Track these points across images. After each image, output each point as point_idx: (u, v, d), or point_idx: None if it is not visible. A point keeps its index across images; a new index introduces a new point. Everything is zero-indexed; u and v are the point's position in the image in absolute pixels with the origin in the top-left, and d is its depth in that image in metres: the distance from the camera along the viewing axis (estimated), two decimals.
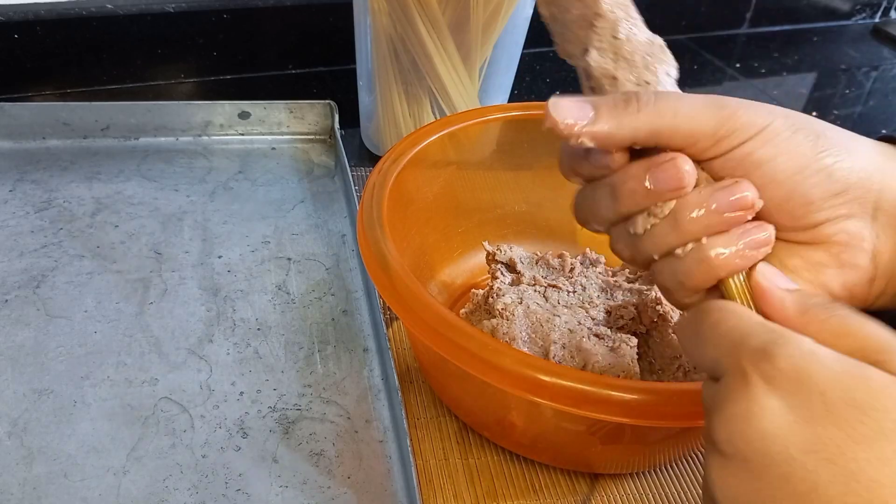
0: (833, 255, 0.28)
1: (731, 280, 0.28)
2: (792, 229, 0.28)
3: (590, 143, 0.28)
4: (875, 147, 0.28)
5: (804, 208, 0.27)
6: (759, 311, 0.26)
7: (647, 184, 0.28)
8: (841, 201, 0.27)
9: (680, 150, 0.28)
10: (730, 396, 0.23)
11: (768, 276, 0.26)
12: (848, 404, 0.21)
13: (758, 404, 0.22)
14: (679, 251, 0.28)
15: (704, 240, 0.28)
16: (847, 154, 0.27)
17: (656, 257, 0.29)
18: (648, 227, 0.28)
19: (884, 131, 0.29)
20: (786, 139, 0.27)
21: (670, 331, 0.45)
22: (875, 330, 0.23)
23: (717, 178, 0.28)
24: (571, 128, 0.27)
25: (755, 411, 0.22)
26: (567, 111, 0.27)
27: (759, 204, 0.27)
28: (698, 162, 0.28)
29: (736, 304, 0.26)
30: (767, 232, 0.28)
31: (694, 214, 0.27)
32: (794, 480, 0.21)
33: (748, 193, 0.27)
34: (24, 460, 0.40)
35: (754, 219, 0.28)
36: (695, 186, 0.28)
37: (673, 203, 0.28)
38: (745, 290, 0.28)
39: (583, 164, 0.30)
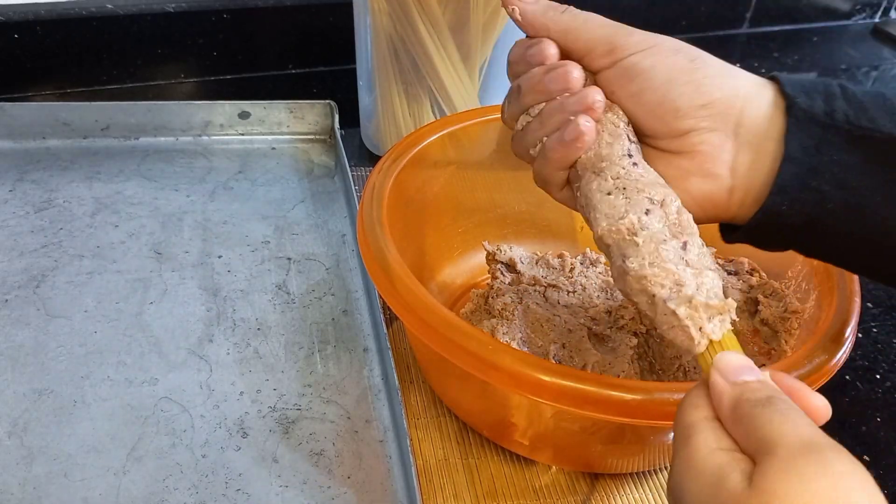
0: (697, 164, 0.32)
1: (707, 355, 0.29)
2: (664, 136, 0.32)
3: (517, 18, 0.34)
4: (752, 78, 0.32)
5: (672, 114, 0.31)
6: None
7: (544, 82, 0.33)
8: (706, 113, 0.31)
9: (579, 56, 0.33)
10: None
11: (721, 366, 0.27)
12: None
13: None
14: (532, 151, 0.35)
15: (544, 138, 0.33)
16: (718, 75, 0.31)
17: (531, 151, 0.35)
18: (525, 123, 0.34)
19: (776, 74, 0.33)
20: (666, 55, 0.32)
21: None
22: (773, 428, 0.24)
23: (606, 92, 0.33)
24: (513, 1, 0.34)
25: None
26: None
27: (601, 107, 0.32)
28: (593, 72, 0.33)
29: (697, 396, 0.27)
30: (581, 124, 0.32)
31: (553, 114, 0.33)
32: None
33: (592, 95, 0.32)
34: (24, 460, 0.40)
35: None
36: None
37: (542, 105, 0.33)
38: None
39: (520, 63, 0.34)
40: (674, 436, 0.27)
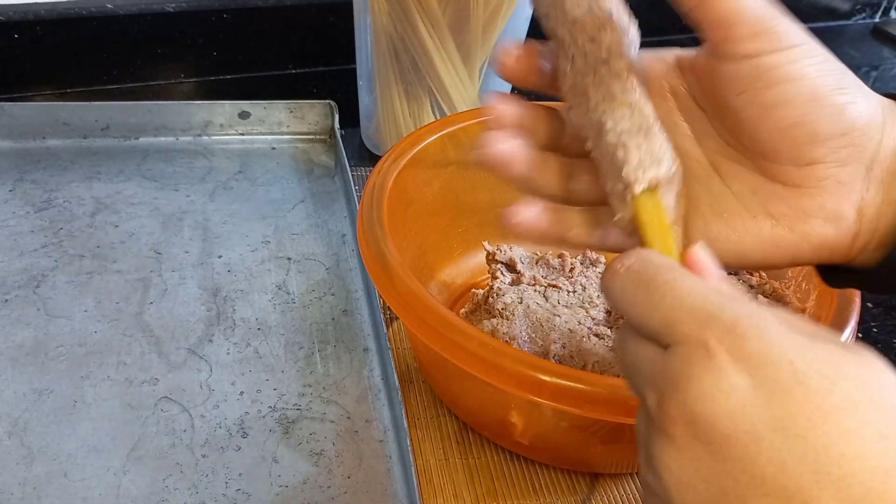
0: (819, 204, 0.27)
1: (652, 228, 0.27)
2: (786, 161, 0.27)
3: None
4: (881, 101, 0.28)
5: (808, 139, 0.26)
6: None
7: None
8: (842, 143, 0.26)
9: (715, 27, 0.26)
10: (691, 373, 0.21)
11: (696, 262, 0.25)
12: (818, 374, 0.20)
13: (725, 382, 0.21)
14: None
15: None
16: (862, 97, 0.27)
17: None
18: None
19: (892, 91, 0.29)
20: (815, 64, 0.26)
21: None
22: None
23: (731, 91, 0.27)
24: None
25: (722, 389, 0.21)
26: None
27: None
28: (728, 58, 0.27)
29: (682, 267, 0.25)
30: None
31: None
32: (762, 461, 0.20)
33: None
34: (24, 460, 0.40)
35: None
36: None
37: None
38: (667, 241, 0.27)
39: None
40: (686, 309, 0.23)
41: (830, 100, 0.26)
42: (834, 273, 0.30)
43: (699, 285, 0.23)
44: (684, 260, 0.25)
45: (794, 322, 0.22)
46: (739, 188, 0.29)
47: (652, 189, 0.27)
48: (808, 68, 0.26)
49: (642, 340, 0.24)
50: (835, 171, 0.27)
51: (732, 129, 0.28)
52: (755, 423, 0.20)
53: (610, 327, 0.45)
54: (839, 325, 0.37)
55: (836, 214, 0.27)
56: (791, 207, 0.28)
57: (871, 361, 0.21)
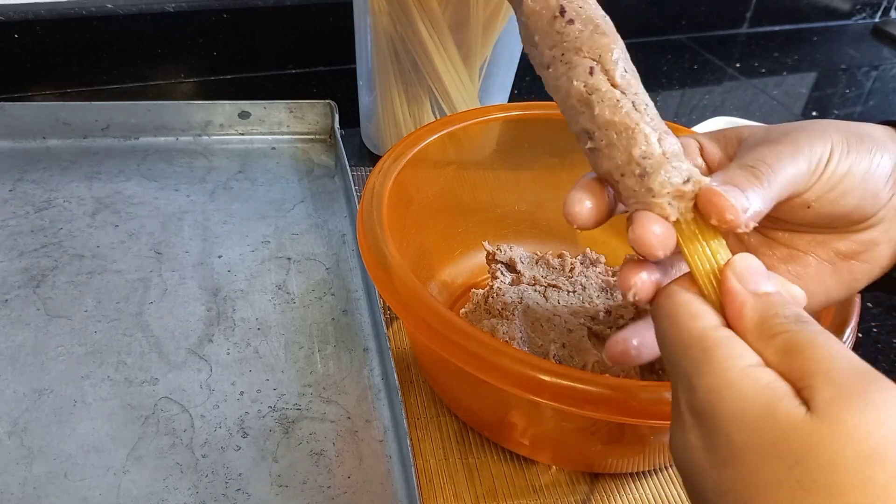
0: (884, 229, 0.30)
1: (696, 260, 0.27)
2: (858, 221, 0.30)
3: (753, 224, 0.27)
4: (885, 131, 0.30)
5: (873, 199, 0.29)
6: (722, 309, 0.25)
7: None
8: (891, 184, 0.29)
9: (786, 199, 0.29)
10: (672, 420, 0.24)
11: (739, 271, 0.25)
12: (749, 448, 0.21)
13: (685, 439, 0.23)
14: None
15: None
16: (878, 145, 0.29)
17: None
18: None
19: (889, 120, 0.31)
20: (847, 152, 0.29)
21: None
22: (819, 351, 0.22)
23: (802, 204, 0.29)
24: (739, 217, 0.26)
25: (684, 446, 0.23)
26: (733, 201, 0.26)
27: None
28: (799, 201, 0.29)
29: (690, 302, 0.25)
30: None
31: None
32: None
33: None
34: (24, 460, 0.40)
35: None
36: None
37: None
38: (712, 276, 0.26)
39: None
40: (671, 351, 0.24)
41: (874, 162, 0.29)
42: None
43: (687, 328, 0.24)
44: (724, 284, 0.25)
45: (750, 381, 0.22)
46: (807, 246, 0.32)
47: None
48: (848, 158, 0.29)
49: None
50: (890, 208, 0.30)
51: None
52: (705, 486, 0.22)
53: (610, 327, 0.45)
54: (839, 325, 0.37)
55: (879, 267, 0.31)
56: (858, 243, 0.31)
57: (841, 427, 0.20)
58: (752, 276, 0.25)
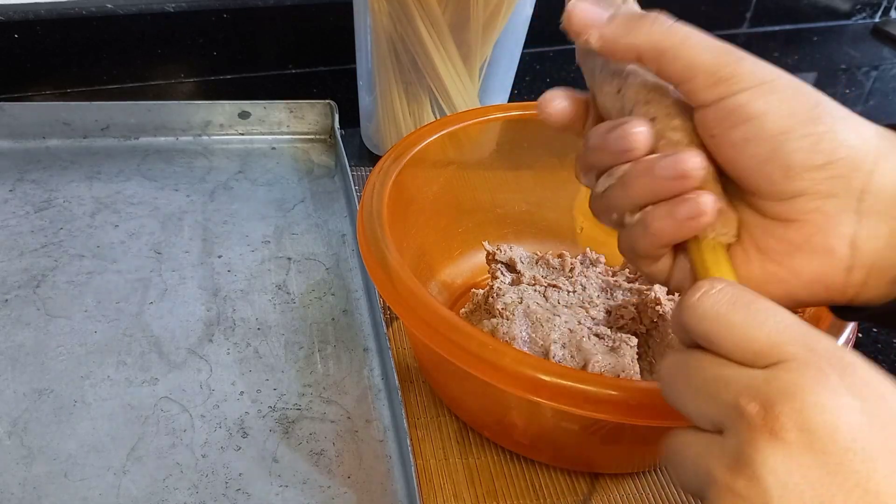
0: (805, 237, 0.27)
1: (699, 252, 0.28)
2: (768, 196, 0.27)
3: (595, 44, 0.28)
4: (877, 131, 0.27)
5: (782, 173, 0.26)
6: None
7: (607, 139, 0.28)
8: (823, 176, 0.26)
9: (677, 82, 0.27)
10: (806, 385, 0.22)
11: None
12: (861, 454, 0.21)
13: (842, 399, 0.22)
14: (627, 219, 0.29)
15: (649, 208, 0.28)
16: (842, 129, 0.26)
17: (614, 216, 0.30)
18: (606, 187, 0.29)
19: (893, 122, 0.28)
20: (783, 98, 0.26)
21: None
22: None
23: (706, 133, 0.27)
24: (586, 25, 0.28)
25: (840, 405, 0.22)
26: (585, 12, 0.28)
27: (699, 175, 0.27)
28: (692, 108, 0.28)
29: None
30: (702, 203, 0.27)
31: (639, 178, 0.28)
32: (876, 479, 0.21)
33: (690, 162, 0.27)
34: (24, 460, 0.40)
35: (729, 183, 0.28)
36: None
37: (626, 166, 0.28)
38: (721, 261, 0.28)
39: (601, 152, 0.29)
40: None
41: (802, 131, 0.26)
42: (848, 312, 0.29)
43: (794, 316, 0.24)
44: None
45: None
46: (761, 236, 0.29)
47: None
48: (773, 104, 0.26)
49: (727, 363, 0.24)
50: (819, 203, 0.26)
51: (720, 170, 0.28)
52: (872, 444, 0.21)
53: (610, 327, 0.45)
54: (839, 326, 0.37)
55: (824, 248, 0.27)
56: (779, 241, 0.27)
57: None
58: None
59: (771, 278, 0.28)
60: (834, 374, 0.22)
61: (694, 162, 0.27)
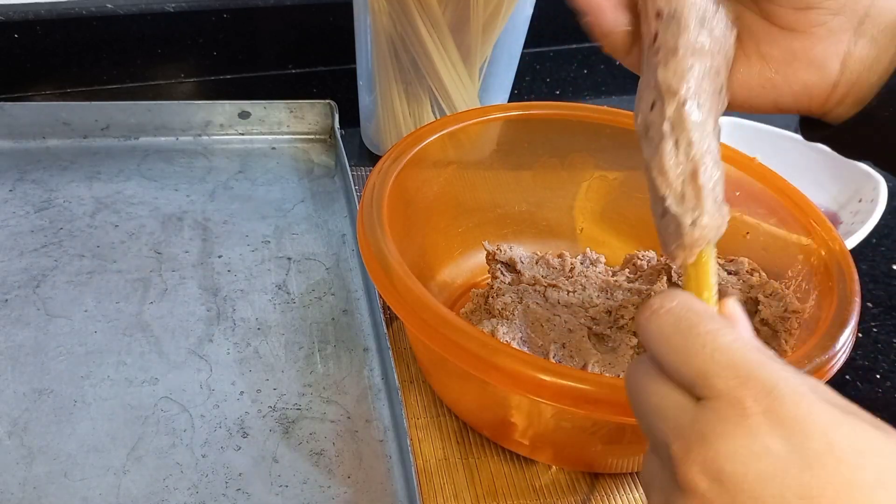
0: (807, 48, 0.29)
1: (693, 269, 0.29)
2: (787, 2, 0.29)
3: None
4: None
5: None
6: None
7: None
8: None
9: None
10: (724, 430, 0.22)
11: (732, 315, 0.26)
12: (851, 448, 0.21)
13: (759, 443, 0.21)
14: None
15: None
16: None
17: None
18: None
19: None
20: None
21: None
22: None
23: None
24: None
25: (754, 451, 0.21)
26: None
27: None
28: None
29: (723, 319, 0.25)
30: None
31: None
32: None
33: None
34: (24, 460, 0.40)
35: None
36: None
37: None
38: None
39: None
40: (724, 363, 0.23)
41: None
42: (810, 128, 0.32)
43: (739, 341, 0.23)
44: (721, 312, 0.26)
45: (825, 392, 0.22)
46: (739, 28, 0.30)
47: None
48: None
49: (669, 384, 0.24)
50: (827, 17, 0.28)
51: None
52: (783, 490, 0.21)
53: (610, 327, 0.45)
54: (839, 325, 0.37)
55: (820, 60, 0.29)
56: (781, 49, 0.29)
57: None
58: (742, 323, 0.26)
59: (766, 83, 0.30)
60: (758, 413, 0.21)
61: None
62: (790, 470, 0.21)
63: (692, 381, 0.23)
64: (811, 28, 0.29)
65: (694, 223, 0.28)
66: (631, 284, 0.48)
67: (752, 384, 0.22)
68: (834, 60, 0.29)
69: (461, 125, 0.50)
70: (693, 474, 0.22)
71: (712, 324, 0.24)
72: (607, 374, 0.41)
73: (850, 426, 0.21)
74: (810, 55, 0.29)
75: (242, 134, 0.67)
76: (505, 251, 0.49)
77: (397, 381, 0.43)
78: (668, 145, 0.28)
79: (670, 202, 0.28)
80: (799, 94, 0.30)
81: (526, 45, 0.64)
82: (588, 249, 0.52)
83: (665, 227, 0.29)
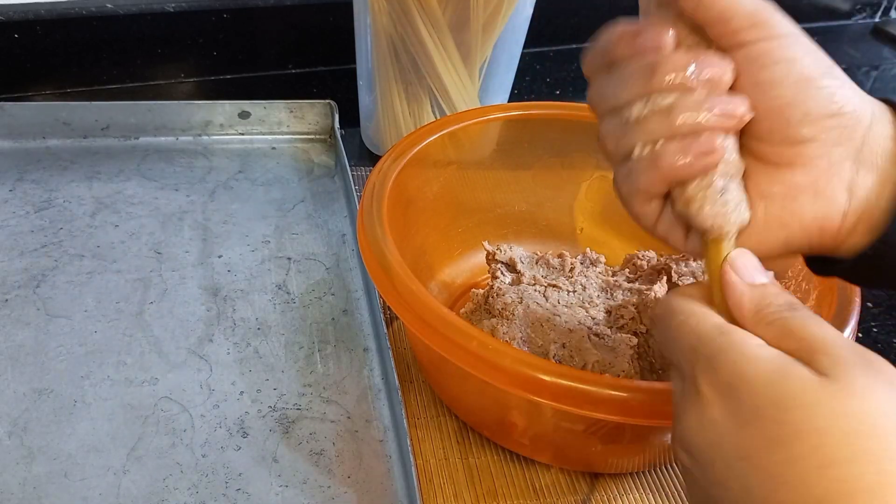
0: (811, 180, 0.28)
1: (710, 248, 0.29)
2: (779, 142, 0.28)
3: None
4: (869, 97, 0.29)
5: (801, 117, 0.28)
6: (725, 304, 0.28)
7: (689, 71, 0.28)
8: (833, 124, 0.28)
9: (713, 23, 0.28)
10: (686, 406, 0.26)
11: (738, 266, 0.28)
12: (773, 404, 0.23)
13: (705, 416, 0.25)
14: (637, 151, 0.29)
15: (661, 141, 0.28)
16: (849, 87, 0.28)
17: (628, 146, 0.29)
18: (644, 113, 0.29)
19: (890, 98, 0.30)
20: (808, 50, 0.28)
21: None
22: (815, 330, 0.25)
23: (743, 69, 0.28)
24: None
25: (703, 424, 0.25)
26: None
27: (748, 117, 0.28)
28: (726, 49, 0.28)
29: (698, 304, 0.28)
30: (717, 141, 0.28)
31: (690, 112, 0.28)
32: (735, 487, 0.23)
33: (742, 107, 0.28)
34: (24, 460, 0.40)
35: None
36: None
37: (673, 97, 0.28)
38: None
39: (625, 44, 0.29)
40: (686, 342, 0.27)
41: (820, 82, 0.28)
42: (826, 265, 0.31)
43: (703, 322, 0.27)
44: (724, 277, 0.28)
45: (768, 352, 0.25)
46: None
47: (722, 237, 0.29)
48: (799, 53, 0.28)
49: (676, 376, 0.28)
50: (827, 150, 0.28)
51: None
52: (725, 455, 0.24)
53: (610, 327, 0.45)
54: (839, 325, 0.37)
55: (825, 191, 0.28)
56: (784, 185, 0.29)
57: (849, 387, 0.23)
58: (748, 270, 0.28)
59: (773, 222, 0.29)
60: (705, 385, 0.25)
61: (745, 106, 0.28)
62: (727, 435, 0.24)
63: (678, 370, 0.27)
64: (811, 161, 0.28)
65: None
66: (631, 284, 0.48)
67: (698, 359, 0.26)
68: (840, 189, 0.28)
69: (461, 125, 0.50)
70: (677, 451, 0.26)
71: (680, 316, 0.27)
72: (607, 374, 0.41)
73: (781, 383, 0.23)
74: (816, 187, 0.28)
75: (242, 134, 0.67)
76: (505, 251, 0.49)
77: (397, 381, 0.43)
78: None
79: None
80: (810, 226, 0.29)
81: (526, 45, 0.64)
82: (588, 249, 0.52)
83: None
